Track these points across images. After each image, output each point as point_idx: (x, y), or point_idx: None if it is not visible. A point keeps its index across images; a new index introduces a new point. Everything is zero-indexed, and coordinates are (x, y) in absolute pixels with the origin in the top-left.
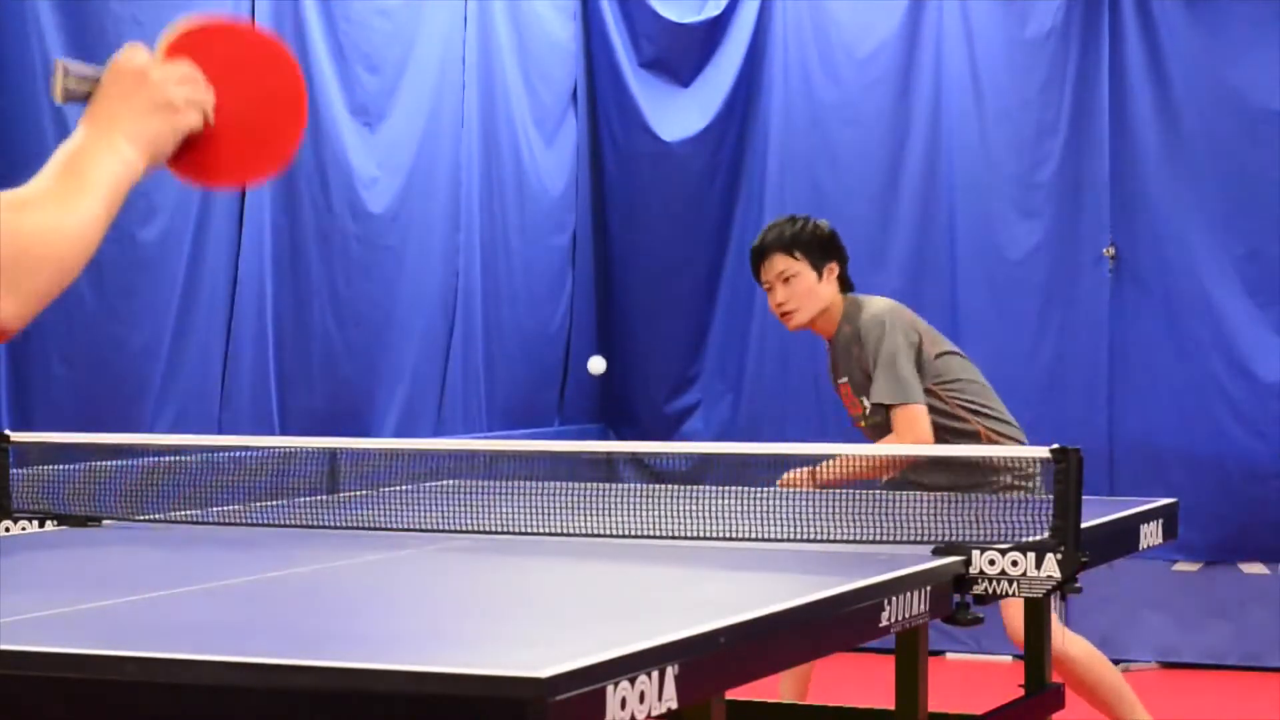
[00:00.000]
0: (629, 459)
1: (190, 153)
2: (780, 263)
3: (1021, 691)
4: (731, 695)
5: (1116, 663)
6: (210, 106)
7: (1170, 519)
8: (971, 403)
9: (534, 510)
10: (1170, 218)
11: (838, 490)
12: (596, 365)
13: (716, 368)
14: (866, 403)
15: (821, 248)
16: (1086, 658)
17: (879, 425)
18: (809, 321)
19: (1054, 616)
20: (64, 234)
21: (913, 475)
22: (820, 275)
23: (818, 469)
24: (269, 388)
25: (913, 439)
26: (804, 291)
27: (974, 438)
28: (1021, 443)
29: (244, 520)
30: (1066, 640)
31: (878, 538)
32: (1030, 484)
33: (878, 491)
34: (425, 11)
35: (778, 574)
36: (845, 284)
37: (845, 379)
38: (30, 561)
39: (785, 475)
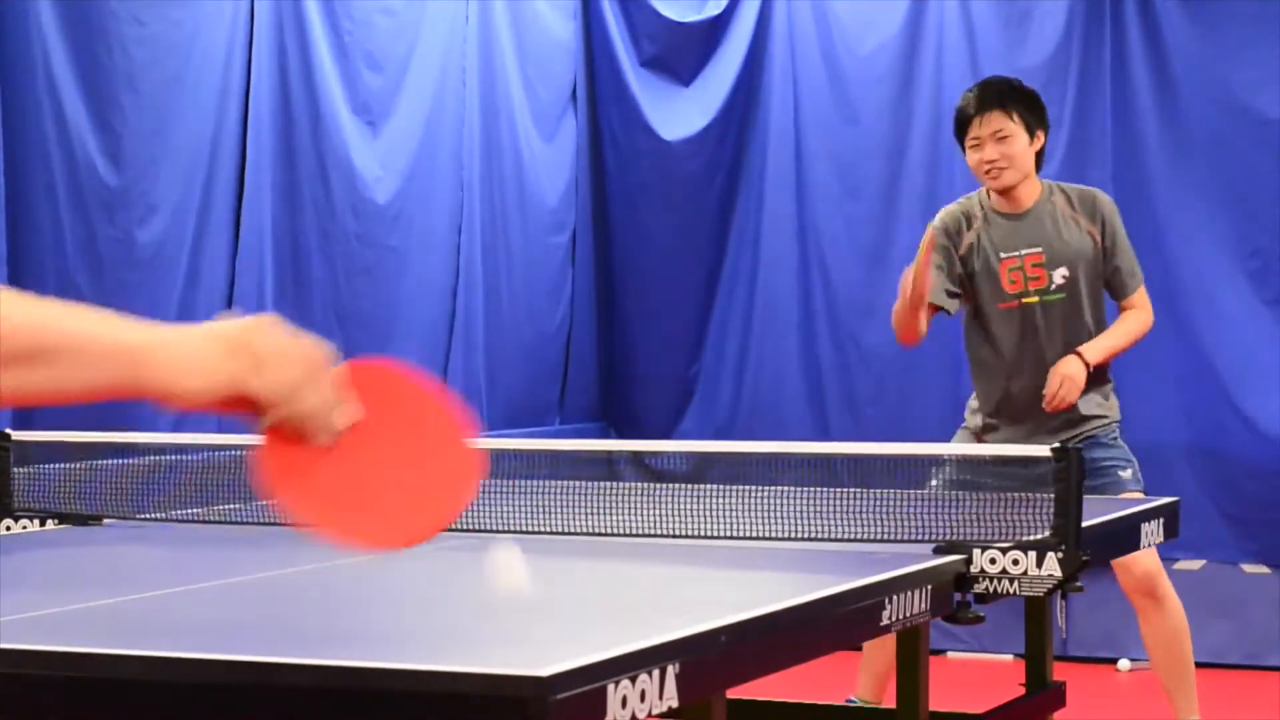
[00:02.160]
0: (629, 458)
1: (293, 456)
2: (998, 120)
3: (1022, 690)
4: (732, 694)
5: (1115, 660)
6: (334, 423)
7: (1171, 518)
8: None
9: (534, 509)
10: (1172, 216)
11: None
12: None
13: (716, 366)
14: (1059, 277)
15: (1038, 113)
16: (1182, 614)
17: (1055, 304)
18: (1015, 183)
19: (1154, 553)
20: None
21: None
22: (1031, 140)
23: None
24: None
25: (1149, 314)
26: (1016, 153)
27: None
28: None
29: (245, 519)
30: (1170, 587)
31: (878, 536)
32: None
33: (878, 491)
34: (427, 10)
35: (778, 573)
36: (1039, 159)
37: (1036, 249)
38: (31, 560)
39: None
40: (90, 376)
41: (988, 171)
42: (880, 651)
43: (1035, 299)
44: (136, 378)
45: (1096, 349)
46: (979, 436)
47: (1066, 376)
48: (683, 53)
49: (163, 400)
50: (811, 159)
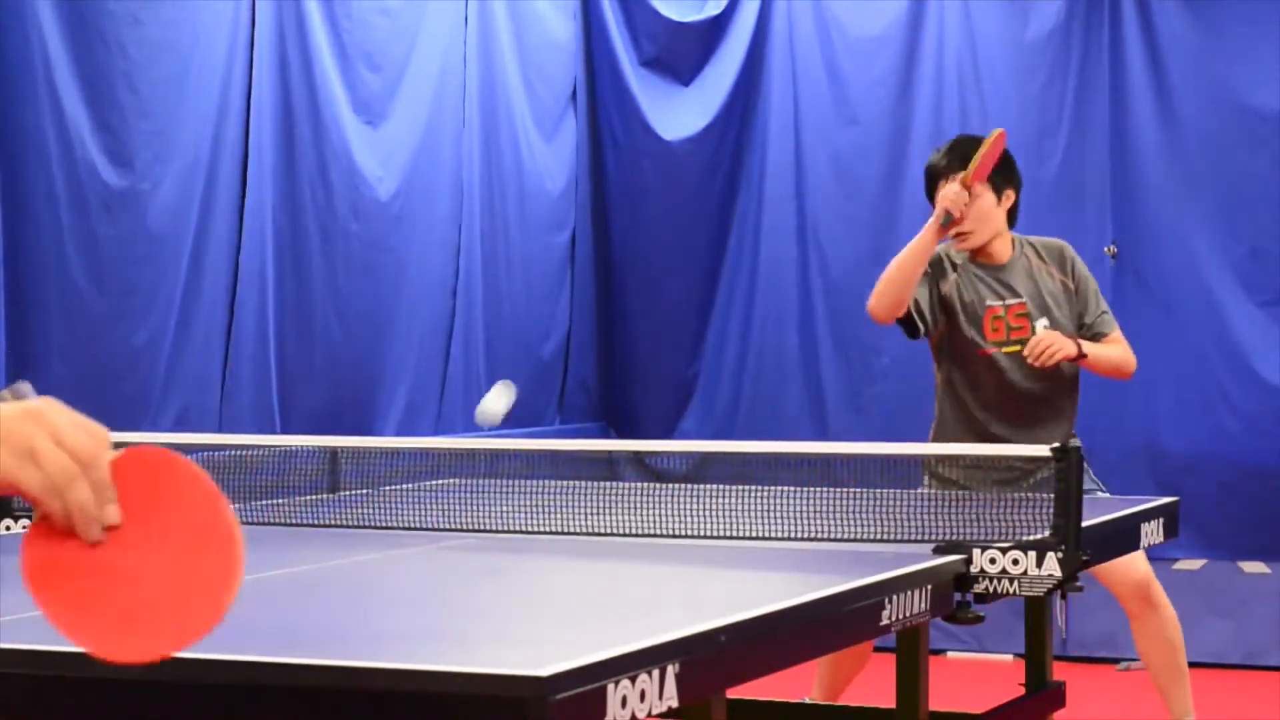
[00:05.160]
0: (629, 458)
1: (52, 555)
2: None
3: (1022, 690)
4: (732, 694)
5: (1118, 661)
6: (95, 515)
7: (1171, 518)
8: None
9: (534, 509)
10: (1171, 216)
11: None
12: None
13: (716, 366)
14: (1041, 326)
15: (1005, 172)
16: (1175, 621)
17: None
18: (983, 244)
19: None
20: None
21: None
22: (1000, 199)
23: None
24: (270, 386)
25: (1132, 355)
26: (983, 214)
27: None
28: None
29: (244, 519)
30: (1163, 594)
31: (878, 536)
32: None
33: (878, 491)
34: (426, 10)
35: (778, 573)
36: (1012, 216)
37: (1020, 300)
38: None
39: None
40: None
41: (956, 235)
42: (833, 668)
43: (1016, 348)
44: None
45: (1090, 346)
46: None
47: (1055, 338)
48: (683, 53)
49: None
50: (811, 159)
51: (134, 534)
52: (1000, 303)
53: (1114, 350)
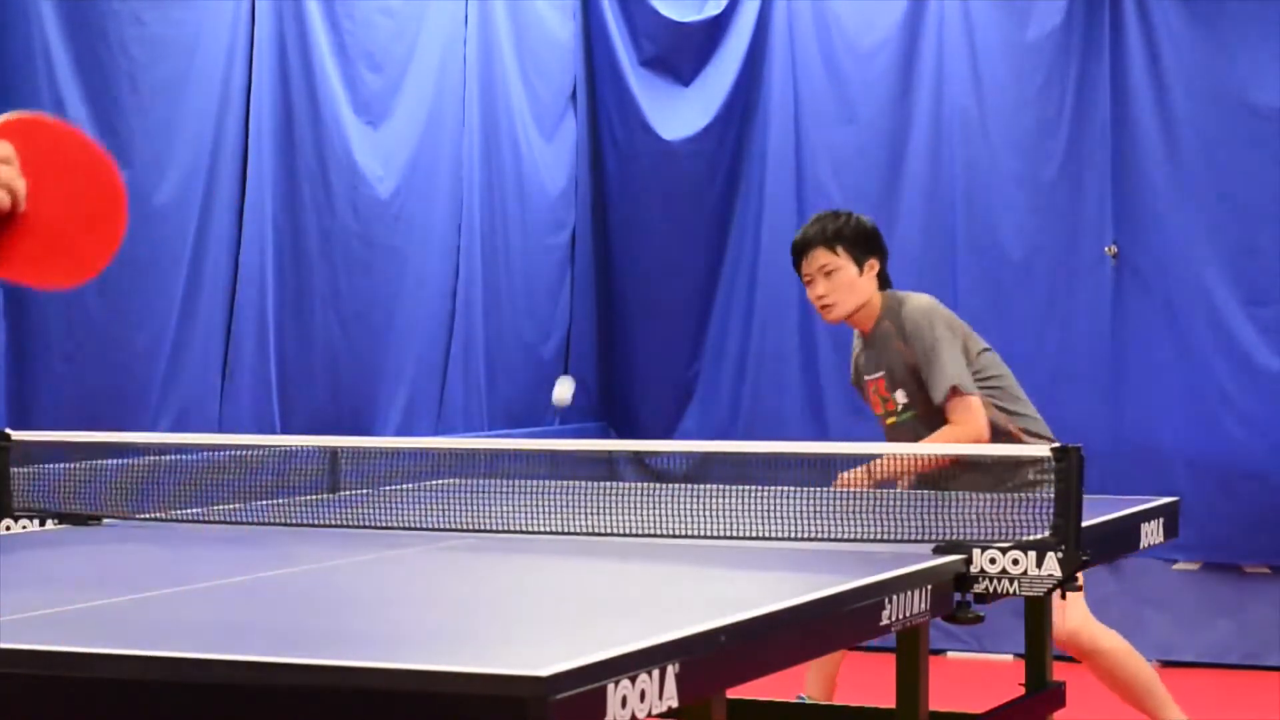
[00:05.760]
0: (629, 458)
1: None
2: (822, 257)
3: (1022, 690)
4: (732, 694)
5: None
6: (20, 191)
7: (1171, 518)
8: (1004, 403)
9: (534, 509)
10: (1171, 216)
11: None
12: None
13: (715, 366)
14: (901, 398)
15: (864, 244)
16: (1119, 652)
17: (908, 422)
18: (848, 315)
19: (1083, 606)
20: None
21: (943, 478)
22: (861, 270)
23: (872, 467)
24: (270, 386)
25: (975, 430)
26: (844, 285)
27: (1008, 439)
28: (1051, 440)
29: (244, 519)
30: (1098, 633)
31: (879, 536)
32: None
33: (878, 491)
34: (427, 10)
35: (778, 572)
36: (884, 280)
37: (880, 374)
38: (30, 560)
39: (841, 476)
40: None
41: (822, 307)
42: (822, 662)
43: (895, 419)
44: None
45: (885, 465)
46: None
47: (847, 480)
48: (683, 53)
49: None
50: (811, 158)
51: (39, 187)
52: (872, 378)
53: (946, 441)
